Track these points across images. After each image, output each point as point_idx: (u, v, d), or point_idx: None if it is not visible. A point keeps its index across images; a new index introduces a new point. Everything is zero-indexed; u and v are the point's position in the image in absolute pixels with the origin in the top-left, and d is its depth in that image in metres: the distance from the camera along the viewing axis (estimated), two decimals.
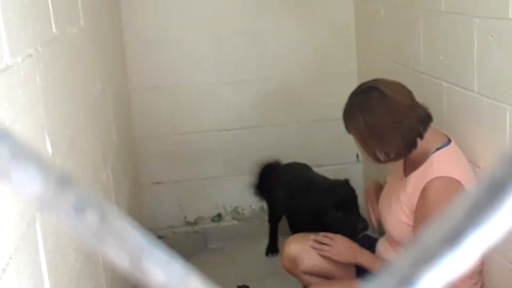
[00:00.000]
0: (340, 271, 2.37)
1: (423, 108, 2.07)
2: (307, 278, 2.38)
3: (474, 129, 2.18)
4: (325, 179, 2.80)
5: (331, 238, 2.33)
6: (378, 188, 2.47)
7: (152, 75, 3.42)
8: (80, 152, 1.70)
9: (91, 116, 1.96)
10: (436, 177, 1.97)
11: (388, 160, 2.07)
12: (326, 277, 2.38)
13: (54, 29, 1.49)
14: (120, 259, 0.28)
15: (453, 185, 1.96)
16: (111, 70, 2.70)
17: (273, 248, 3.32)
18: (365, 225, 2.47)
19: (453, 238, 0.27)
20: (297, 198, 2.74)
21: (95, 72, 2.19)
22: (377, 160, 2.08)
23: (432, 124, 2.10)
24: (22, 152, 0.28)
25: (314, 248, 2.36)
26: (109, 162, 2.25)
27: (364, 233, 2.48)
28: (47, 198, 0.28)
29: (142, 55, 3.39)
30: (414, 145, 2.03)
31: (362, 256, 2.23)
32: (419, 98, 2.12)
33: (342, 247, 2.30)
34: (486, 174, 0.27)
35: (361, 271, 2.29)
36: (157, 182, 3.53)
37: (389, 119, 2.00)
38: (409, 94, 2.07)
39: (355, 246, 2.27)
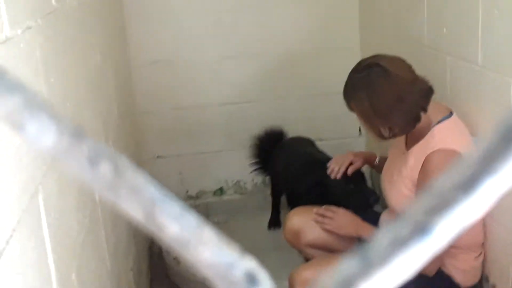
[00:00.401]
0: (343, 244, 2.37)
1: (425, 81, 2.05)
2: (310, 251, 2.39)
3: (478, 102, 2.16)
4: (327, 155, 2.80)
5: (333, 211, 2.33)
6: (369, 158, 2.49)
7: (153, 49, 3.40)
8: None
9: (92, 90, 1.95)
10: (438, 149, 1.97)
11: (393, 136, 2.07)
12: (328, 250, 2.38)
13: (53, 2, 1.47)
14: (134, 212, 0.28)
15: (455, 157, 1.96)
16: (111, 44, 2.68)
17: (275, 222, 3.33)
18: (377, 197, 2.48)
19: (467, 184, 0.26)
20: (302, 174, 2.74)
21: (96, 46, 2.18)
22: (381, 136, 2.07)
23: (436, 98, 2.09)
24: (36, 103, 0.28)
25: (317, 222, 2.37)
26: (110, 137, 2.25)
27: (376, 204, 2.48)
28: (61, 150, 0.28)
29: (142, 29, 3.36)
30: (418, 119, 2.02)
31: (364, 230, 2.23)
32: (422, 72, 2.11)
33: (344, 220, 2.30)
34: (500, 121, 0.26)
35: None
36: (158, 156, 3.54)
37: (392, 95, 1.98)
38: (410, 68, 2.06)
39: (357, 220, 2.28)
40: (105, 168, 0.28)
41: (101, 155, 0.28)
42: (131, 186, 0.28)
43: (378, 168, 2.46)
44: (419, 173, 2.02)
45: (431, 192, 0.27)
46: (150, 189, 0.29)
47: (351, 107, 2.09)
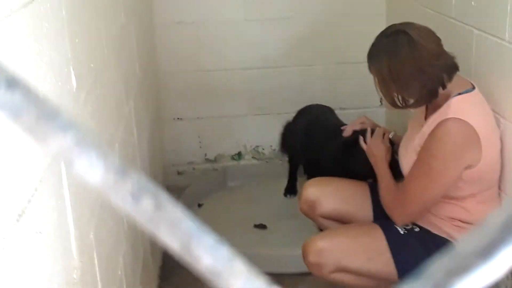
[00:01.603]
0: (357, 216, 2.38)
1: (450, 57, 2.03)
2: (324, 222, 2.40)
3: (502, 78, 2.14)
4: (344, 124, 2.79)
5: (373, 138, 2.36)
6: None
7: (178, 9, 3.39)
8: (104, 87, 1.70)
9: (115, 50, 1.96)
10: (450, 118, 1.96)
11: (406, 106, 2.07)
12: (343, 221, 2.39)
13: None
14: (172, 243, 0.31)
15: (465, 129, 1.95)
16: (136, 4, 2.67)
17: (291, 189, 3.34)
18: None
19: (487, 250, 0.29)
20: (320, 142, 2.74)
21: (120, 5, 2.17)
22: (394, 104, 2.07)
23: (459, 72, 2.07)
24: (86, 141, 0.30)
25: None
26: (132, 97, 2.26)
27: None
28: (107, 186, 0.30)
29: None
30: (435, 94, 2.01)
31: (381, 171, 2.24)
32: (448, 44, 2.08)
33: (376, 149, 2.32)
34: None
35: (378, 216, 2.30)
36: (178, 118, 3.54)
37: (414, 65, 1.97)
38: (438, 41, 2.04)
39: (384, 160, 2.27)
40: (146, 203, 0.31)
41: (143, 191, 0.31)
42: (170, 219, 0.31)
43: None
44: (427, 136, 2.01)
45: (453, 255, 0.29)
46: (187, 223, 0.31)
47: (370, 69, 2.10)
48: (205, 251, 0.31)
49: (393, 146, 2.44)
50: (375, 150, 2.32)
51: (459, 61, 2.05)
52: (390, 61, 2.01)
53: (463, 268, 0.29)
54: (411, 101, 2.04)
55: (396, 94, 2.04)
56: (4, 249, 0.81)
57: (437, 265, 0.29)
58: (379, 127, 2.51)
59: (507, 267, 0.29)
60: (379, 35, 2.10)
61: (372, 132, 2.39)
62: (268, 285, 0.31)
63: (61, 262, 1.10)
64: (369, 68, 2.11)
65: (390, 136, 2.47)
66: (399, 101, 2.05)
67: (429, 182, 2.02)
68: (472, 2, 2.34)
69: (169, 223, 0.31)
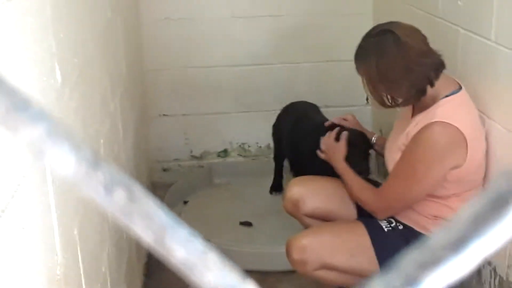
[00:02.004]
0: (342, 215, 2.39)
1: (437, 55, 2.04)
2: (308, 220, 2.40)
3: (488, 78, 2.15)
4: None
5: (334, 145, 2.38)
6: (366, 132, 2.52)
7: (164, 6, 3.37)
8: (89, 82, 1.69)
9: (100, 46, 1.94)
10: (436, 121, 1.97)
11: (395, 105, 2.08)
12: (327, 220, 2.40)
13: None
14: (145, 236, 0.31)
15: (451, 132, 1.96)
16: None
17: (277, 187, 3.35)
18: (365, 167, 2.47)
19: (458, 244, 0.29)
20: (305, 139, 2.74)
21: (107, 1, 2.16)
22: (383, 104, 2.09)
23: (446, 71, 2.08)
24: (58, 132, 0.30)
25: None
26: (118, 93, 2.25)
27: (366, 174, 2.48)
28: (78, 178, 0.31)
29: None
30: (423, 92, 2.02)
31: (346, 173, 2.28)
32: (434, 43, 2.09)
33: (338, 154, 2.34)
34: (490, 186, 0.30)
35: (362, 215, 2.31)
36: (164, 115, 3.53)
37: (401, 65, 1.98)
38: (424, 39, 2.05)
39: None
40: (119, 195, 0.31)
41: (116, 183, 0.31)
42: (143, 212, 0.31)
43: (376, 146, 2.48)
44: (411, 138, 2.02)
45: (424, 248, 0.30)
46: (161, 215, 0.31)
47: (359, 70, 2.10)
48: (179, 244, 0.31)
49: (372, 147, 2.47)
50: (328, 151, 2.37)
51: (446, 60, 2.06)
52: (377, 61, 2.01)
53: (434, 261, 0.29)
54: (400, 100, 2.06)
55: (385, 94, 2.05)
56: None
57: (408, 258, 0.30)
58: (361, 127, 2.52)
59: (478, 260, 0.30)
60: (366, 35, 2.10)
61: (353, 133, 2.40)
62: (241, 278, 0.31)
63: (44, 258, 1.09)
64: (357, 69, 2.10)
65: (374, 139, 2.48)
66: (388, 101, 2.06)
67: (413, 183, 2.03)
68: (459, 2, 2.35)
69: (142, 216, 0.31)
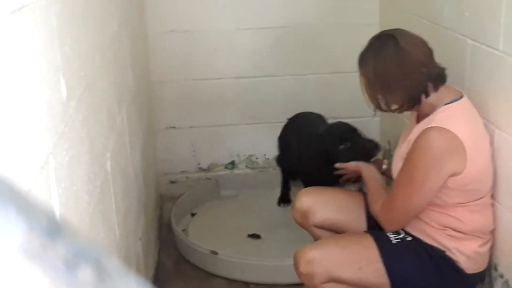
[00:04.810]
0: (351, 226, 2.37)
1: (438, 68, 2.06)
2: (318, 231, 2.39)
3: (496, 88, 2.13)
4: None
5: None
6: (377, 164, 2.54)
7: (170, 19, 3.38)
8: (95, 96, 1.68)
9: (107, 59, 1.94)
10: (432, 126, 1.97)
11: (389, 110, 2.11)
12: (336, 231, 2.38)
13: None
14: None
15: (446, 137, 1.96)
16: (129, 12, 2.66)
17: (285, 198, 3.33)
18: (376, 144, 2.55)
19: None
20: (306, 148, 2.76)
21: (113, 14, 2.16)
22: (379, 107, 2.13)
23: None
24: (2, 193, 0.22)
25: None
26: (124, 106, 2.24)
27: (378, 151, 2.53)
28: (31, 249, 0.23)
29: None
30: (417, 101, 2.05)
31: (372, 180, 2.31)
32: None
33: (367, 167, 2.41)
34: None
35: (372, 227, 2.29)
36: (171, 127, 3.53)
37: (397, 70, 2.02)
38: (427, 51, 2.06)
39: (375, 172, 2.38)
40: (85, 273, 0.23)
41: (80, 257, 0.23)
42: None
43: (387, 173, 2.48)
44: (411, 146, 2.03)
45: None
46: None
47: (359, 72, 2.14)
48: None
49: (385, 173, 2.50)
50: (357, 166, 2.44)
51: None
52: (376, 64, 2.06)
53: None
54: (394, 106, 2.09)
55: (380, 97, 2.08)
56: None
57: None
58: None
59: None
60: (371, 38, 2.15)
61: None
62: None
63: None
64: (358, 71, 2.15)
65: (385, 165, 2.50)
66: (383, 104, 2.09)
67: (412, 190, 2.02)
68: (466, 13, 2.34)
69: None
